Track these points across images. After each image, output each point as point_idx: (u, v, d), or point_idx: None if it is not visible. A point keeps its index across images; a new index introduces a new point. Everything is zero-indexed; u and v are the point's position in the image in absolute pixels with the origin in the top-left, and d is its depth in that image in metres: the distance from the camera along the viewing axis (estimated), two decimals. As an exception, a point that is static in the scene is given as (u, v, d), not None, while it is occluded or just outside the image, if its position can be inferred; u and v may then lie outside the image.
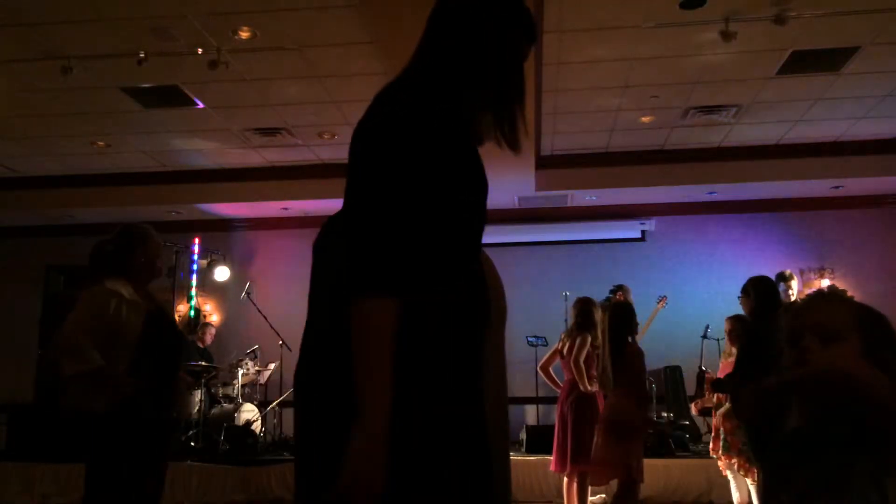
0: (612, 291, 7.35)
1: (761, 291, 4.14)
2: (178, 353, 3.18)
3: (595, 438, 4.29)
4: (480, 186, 1.35)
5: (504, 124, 1.41)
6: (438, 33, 1.41)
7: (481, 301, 1.31)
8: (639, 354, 4.35)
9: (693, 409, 5.63)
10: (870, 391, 1.24)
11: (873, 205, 8.08)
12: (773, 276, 4.95)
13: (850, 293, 7.89)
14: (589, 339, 4.89)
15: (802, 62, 5.28)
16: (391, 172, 1.22)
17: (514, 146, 1.43)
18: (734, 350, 4.89)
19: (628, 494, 4.15)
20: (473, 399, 1.28)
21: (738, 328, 4.82)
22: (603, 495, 5.80)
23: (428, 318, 1.22)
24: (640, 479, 4.12)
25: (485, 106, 1.40)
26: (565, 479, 4.94)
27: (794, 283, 5.84)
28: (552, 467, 5.10)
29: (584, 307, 5.03)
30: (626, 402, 4.19)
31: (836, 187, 7.76)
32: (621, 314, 4.44)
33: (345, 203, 1.27)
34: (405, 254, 1.20)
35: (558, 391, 5.14)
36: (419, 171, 1.23)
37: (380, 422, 1.14)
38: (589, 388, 4.84)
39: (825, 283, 7.93)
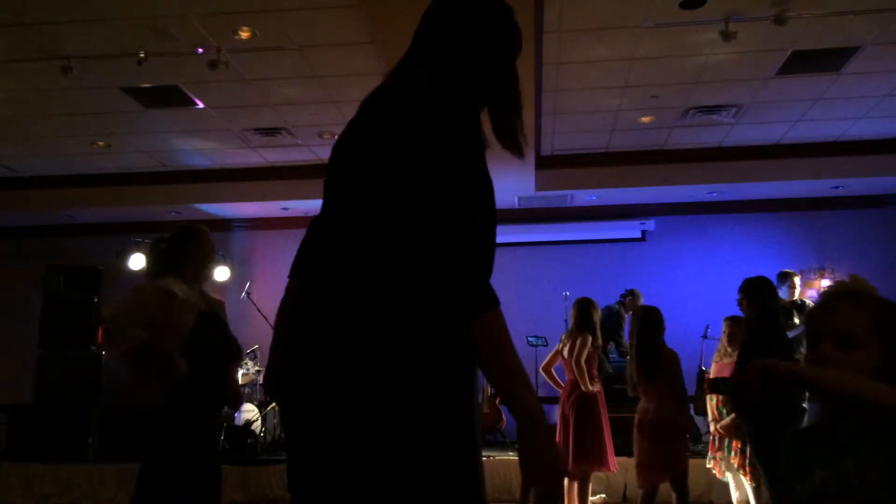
0: (623, 296, 7.35)
1: (758, 292, 4.15)
2: (229, 353, 3.17)
3: (640, 442, 4.33)
4: (493, 196, 1.37)
5: (504, 129, 1.44)
6: (438, 35, 1.42)
7: None
8: (672, 356, 4.42)
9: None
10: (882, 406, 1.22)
11: (873, 205, 8.08)
12: (773, 277, 4.95)
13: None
14: (590, 339, 4.91)
15: (802, 62, 5.28)
16: (470, 180, 1.28)
17: (518, 151, 1.47)
18: (730, 351, 4.89)
19: (684, 492, 4.22)
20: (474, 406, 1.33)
21: (738, 329, 4.83)
22: (603, 495, 5.80)
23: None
24: (686, 474, 4.25)
25: (488, 109, 1.44)
26: (566, 480, 4.94)
27: (798, 281, 5.83)
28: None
29: (583, 308, 5.04)
30: (667, 404, 4.25)
31: (836, 187, 7.76)
32: (652, 317, 4.48)
33: (400, 207, 1.27)
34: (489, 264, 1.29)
35: (560, 391, 5.15)
36: (480, 180, 1.30)
37: (544, 418, 1.28)
38: (590, 388, 4.86)
39: (825, 283, 7.93)
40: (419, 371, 1.23)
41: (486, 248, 1.27)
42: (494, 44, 1.42)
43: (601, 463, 4.85)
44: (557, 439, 5.00)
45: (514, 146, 1.46)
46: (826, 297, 1.47)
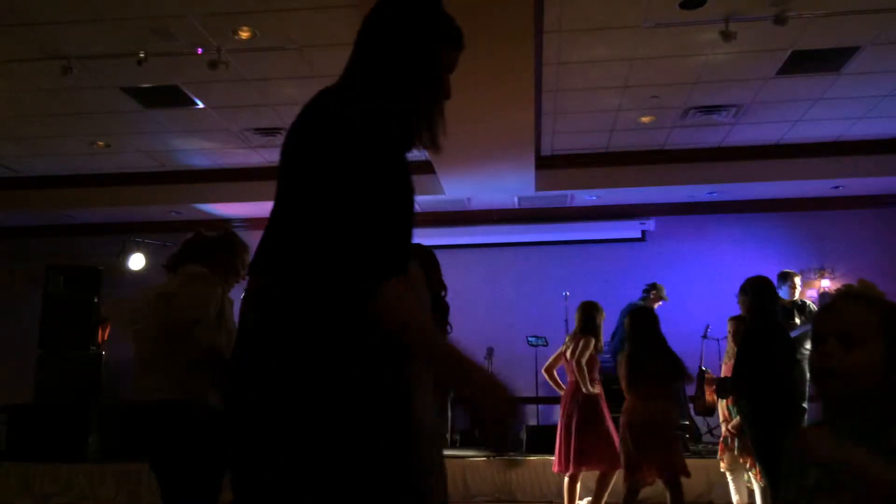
0: (646, 291, 7.31)
1: (758, 291, 4.15)
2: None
3: (630, 441, 4.30)
4: (412, 193, 1.40)
5: (425, 129, 1.50)
6: (368, 34, 1.52)
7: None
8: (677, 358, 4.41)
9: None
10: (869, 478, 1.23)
11: (873, 205, 8.08)
12: (773, 276, 4.95)
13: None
14: (592, 342, 4.93)
15: (802, 62, 5.28)
16: (380, 174, 1.30)
17: (433, 147, 1.53)
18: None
19: (679, 492, 4.20)
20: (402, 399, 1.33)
21: (741, 329, 4.83)
22: (589, 498, 5.79)
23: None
24: (685, 473, 4.21)
25: (412, 113, 1.48)
26: (567, 479, 4.95)
27: (798, 281, 5.83)
28: (554, 468, 5.11)
29: (586, 311, 5.05)
30: (659, 403, 4.24)
31: (836, 187, 7.76)
32: (645, 317, 4.48)
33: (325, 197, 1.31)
34: (397, 244, 1.29)
35: (561, 392, 5.16)
36: (393, 177, 1.32)
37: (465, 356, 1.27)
38: (591, 389, 4.87)
39: (825, 283, 7.93)
40: (348, 370, 1.25)
41: (398, 243, 1.29)
42: (416, 38, 1.47)
43: (603, 463, 4.85)
44: (559, 440, 5.01)
45: (430, 141, 1.51)
46: (833, 298, 1.48)
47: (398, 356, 1.29)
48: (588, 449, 4.81)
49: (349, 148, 1.31)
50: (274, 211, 1.42)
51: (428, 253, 3.38)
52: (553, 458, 5.16)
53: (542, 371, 5.30)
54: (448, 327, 4.21)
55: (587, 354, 4.89)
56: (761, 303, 4.13)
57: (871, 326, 1.34)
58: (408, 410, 1.30)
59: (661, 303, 7.08)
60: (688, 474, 4.23)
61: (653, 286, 7.21)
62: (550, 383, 5.33)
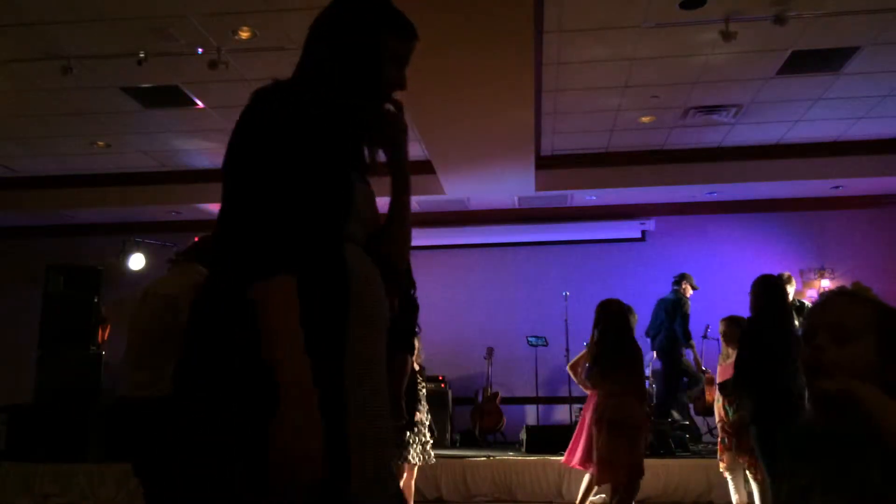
0: (676, 282, 7.28)
1: (762, 290, 4.15)
2: None
3: (599, 438, 4.22)
4: (343, 183, 1.37)
5: (370, 121, 1.49)
6: (311, 43, 1.56)
7: (336, 289, 1.31)
8: (637, 351, 4.35)
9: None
10: (876, 416, 1.22)
11: (873, 205, 8.08)
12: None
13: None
14: None
15: (802, 62, 5.28)
16: (268, 165, 1.27)
17: (386, 142, 1.52)
18: (731, 352, 4.89)
19: (633, 490, 4.16)
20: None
21: (733, 329, 4.82)
22: (603, 495, 5.79)
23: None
24: (642, 473, 4.15)
25: (360, 107, 1.47)
26: (587, 477, 4.82)
27: (791, 286, 5.83)
28: (565, 460, 5.00)
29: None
30: (628, 401, 4.19)
31: (836, 187, 7.76)
32: (614, 310, 4.43)
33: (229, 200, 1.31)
34: (287, 236, 1.24)
35: (588, 392, 5.01)
36: (289, 165, 1.28)
37: (313, 395, 1.17)
38: None
39: (825, 283, 7.93)
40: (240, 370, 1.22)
41: (282, 238, 1.23)
42: (354, 32, 1.47)
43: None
44: (579, 435, 4.89)
45: (379, 133, 1.51)
46: (826, 295, 1.48)
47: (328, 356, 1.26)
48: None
49: (248, 139, 1.32)
50: None
51: None
52: (563, 454, 5.09)
53: (567, 368, 5.18)
54: (417, 328, 4.15)
55: None
56: (760, 301, 4.13)
57: (865, 321, 1.33)
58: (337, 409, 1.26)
59: (692, 292, 7.01)
60: (641, 474, 4.16)
61: (682, 276, 7.14)
62: (574, 379, 5.17)
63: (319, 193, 1.28)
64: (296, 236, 1.23)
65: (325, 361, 1.23)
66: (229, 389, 1.21)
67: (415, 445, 4.65)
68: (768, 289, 4.17)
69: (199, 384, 1.25)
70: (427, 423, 4.83)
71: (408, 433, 4.59)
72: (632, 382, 4.25)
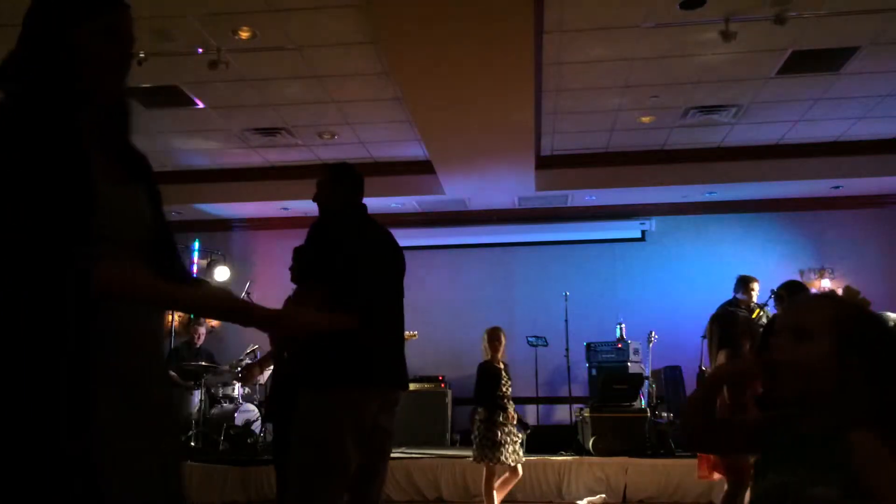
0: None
1: (791, 293, 4.13)
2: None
3: None
4: (79, 174, 1.29)
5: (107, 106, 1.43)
6: (22, 36, 1.47)
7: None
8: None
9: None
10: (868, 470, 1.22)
11: (873, 205, 8.08)
12: (774, 277, 4.93)
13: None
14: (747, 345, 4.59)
15: (802, 62, 5.28)
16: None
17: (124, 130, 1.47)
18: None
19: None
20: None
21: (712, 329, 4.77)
22: (602, 495, 5.80)
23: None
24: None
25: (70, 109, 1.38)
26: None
27: (756, 286, 5.65)
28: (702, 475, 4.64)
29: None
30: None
31: (836, 187, 7.76)
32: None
33: None
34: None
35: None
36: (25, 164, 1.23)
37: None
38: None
39: (825, 283, 7.93)
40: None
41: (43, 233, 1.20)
42: (45, 22, 1.44)
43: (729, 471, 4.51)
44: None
45: (121, 122, 1.45)
46: (800, 297, 1.52)
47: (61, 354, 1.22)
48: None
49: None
50: None
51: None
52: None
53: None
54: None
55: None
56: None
57: (823, 321, 1.34)
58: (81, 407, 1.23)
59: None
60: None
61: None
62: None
63: (39, 210, 1.22)
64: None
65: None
66: None
67: (507, 446, 4.64)
68: (792, 292, 4.14)
69: None
70: (516, 420, 4.83)
71: (499, 434, 4.61)
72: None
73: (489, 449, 4.66)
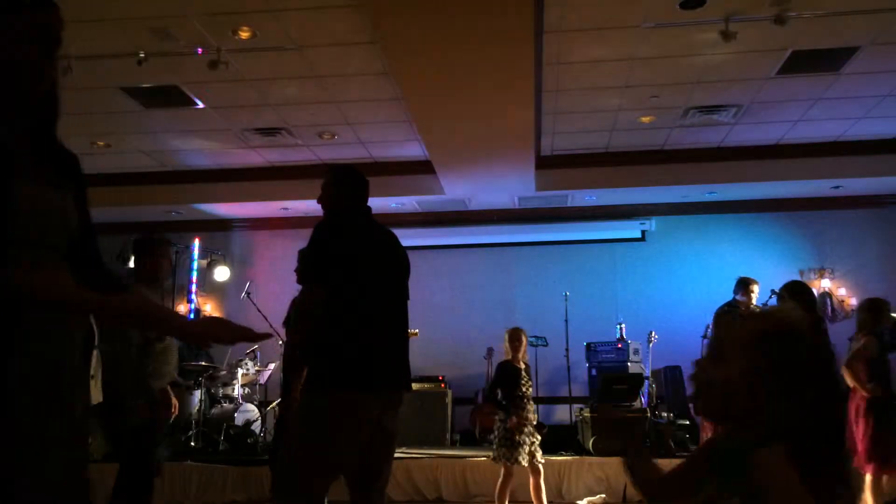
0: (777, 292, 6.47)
1: (793, 295, 4.12)
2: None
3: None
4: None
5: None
6: None
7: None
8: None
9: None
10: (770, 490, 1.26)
11: (873, 205, 8.08)
12: (774, 277, 4.93)
13: (847, 293, 7.88)
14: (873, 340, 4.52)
15: (802, 62, 5.28)
16: None
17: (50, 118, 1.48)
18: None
19: None
20: None
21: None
22: (602, 495, 5.79)
23: None
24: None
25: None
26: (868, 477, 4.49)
27: (755, 289, 5.66)
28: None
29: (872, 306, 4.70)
30: None
31: (836, 187, 7.76)
32: None
33: None
34: None
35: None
36: None
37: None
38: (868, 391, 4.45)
39: (825, 283, 7.94)
40: None
41: None
42: None
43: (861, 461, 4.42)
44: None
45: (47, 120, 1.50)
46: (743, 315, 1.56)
47: None
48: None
49: None
50: None
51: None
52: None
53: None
54: None
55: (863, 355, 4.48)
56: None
57: (737, 344, 1.37)
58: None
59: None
60: None
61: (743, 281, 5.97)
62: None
63: None
64: None
65: None
66: None
67: (524, 447, 4.64)
68: (795, 294, 4.13)
69: None
70: (535, 421, 4.82)
71: (517, 435, 4.61)
72: None
73: (507, 449, 4.66)
